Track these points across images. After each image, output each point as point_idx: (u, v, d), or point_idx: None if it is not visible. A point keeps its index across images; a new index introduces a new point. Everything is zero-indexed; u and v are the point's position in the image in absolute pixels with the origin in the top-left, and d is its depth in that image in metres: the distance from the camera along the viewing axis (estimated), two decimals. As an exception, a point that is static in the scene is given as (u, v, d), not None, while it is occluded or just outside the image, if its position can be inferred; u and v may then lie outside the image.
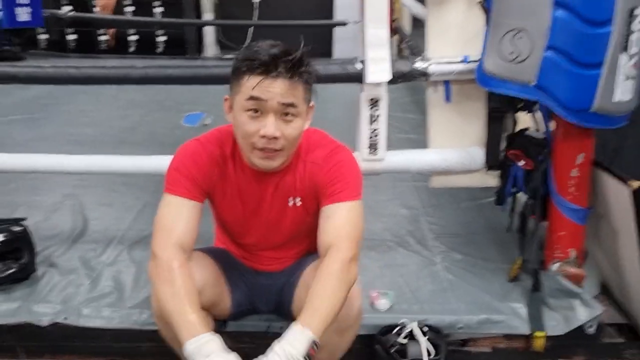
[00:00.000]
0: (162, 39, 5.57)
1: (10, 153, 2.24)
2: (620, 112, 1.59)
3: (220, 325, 1.62)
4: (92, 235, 2.24)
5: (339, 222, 1.36)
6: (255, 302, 1.66)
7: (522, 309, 1.81)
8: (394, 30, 4.52)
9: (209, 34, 5.79)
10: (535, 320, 1.76)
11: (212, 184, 1.42)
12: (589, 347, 1.78)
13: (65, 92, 4.19)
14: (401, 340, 1.64)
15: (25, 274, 1.92)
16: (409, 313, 1.78)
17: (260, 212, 1.46)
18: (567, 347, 1.77)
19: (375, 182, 2.73)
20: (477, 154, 1.92)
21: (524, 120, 1.96)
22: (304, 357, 1.18)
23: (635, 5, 1.45)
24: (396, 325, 1.68)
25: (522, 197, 1.92)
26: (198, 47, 5.86)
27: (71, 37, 5.60)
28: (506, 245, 2.12)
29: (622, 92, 1.53)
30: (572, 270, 1.82)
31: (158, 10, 5.56)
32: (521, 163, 1.83)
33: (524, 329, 1.76)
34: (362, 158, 1.89)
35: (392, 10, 4.37)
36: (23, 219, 2.01)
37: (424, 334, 1.65)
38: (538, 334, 1.73)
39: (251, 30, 5.78)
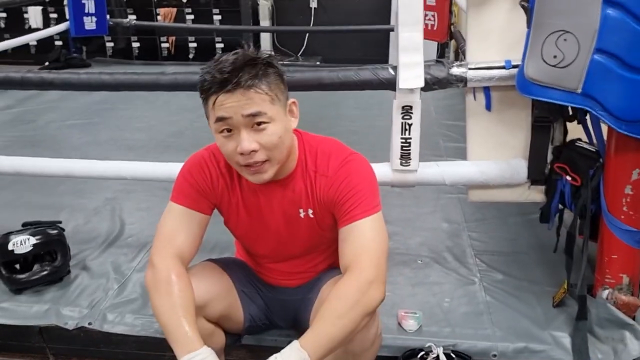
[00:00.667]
0: (219, 45, 5.67)
1: (63, 157, 2.30)
2: (681, 123, 1.40)
3: (234, 340, 1.57)
4: (126, 240, 2.26)
5: (357, 243, 1.27)
6: (272, 318, 1.60)
7: (565, 338, 1.65)
8: (452, 35, 4.36)
9: (266, 41, 5.83)
10: (580, 352, 1.59)
11: (218, 194, 1.37)
12: (641, 385, 1.59)
13: (122, 98, 4.32)
14: (426, 366, 1.53)
15: (58, 277, 1.96)
16: (438, 336, 1.67)
17: (268, 223, 1.40)
18: (616, 385, 1.59)
19: (417, 194, 2.61)
20: (520, 167, 1.77)
21: (576, 130, 1.79)
22: None
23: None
24: (421, 350, 1.57)
25: (569, 214, 1.75)
26: (255, 53, 5.91)
27: (135, 44, 5.82)
28: (555, 266, 1.94)
29: (683, 101, 1.35)
30: (625, 297, 1.64)
31: (217, 17, 5.66)
32: (568, 178, 1.66)
33: (567, 361, 1.60)
34: (393, 169, 1.79)
35: (450, 14, 4.22)
36: (59, 222, 2.06)
37: (451, 360, 1.53)
38: (583, 367, 1.56)
39: (307, 36, 5.78)
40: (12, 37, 4.90)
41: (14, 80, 1.88)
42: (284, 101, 1.25)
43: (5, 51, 5.08)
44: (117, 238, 2.27)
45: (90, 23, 4.98)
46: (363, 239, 1.27)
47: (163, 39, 5.80)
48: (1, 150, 2.72)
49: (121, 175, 1.98)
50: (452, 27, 4.34)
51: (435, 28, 4.11)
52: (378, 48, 5.63)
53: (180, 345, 1.18)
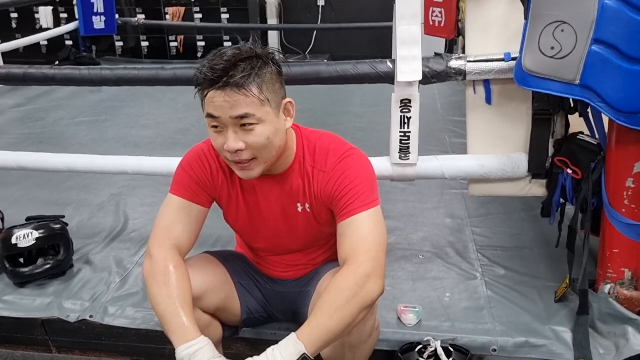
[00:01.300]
0: (227, 44, 5.69)
1: (70, 153, 2.33)
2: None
3: (232, 332, 1.57)
4: (129, 235, 2.28)
5: (355, 237, 1.27)
6: (271, 311, 1.60)
7: (567, 333, 1.63)
8: (460, 31, 4.33)
9: (273, 39, 5.84)
10: (581, 347, 1.57)
11: (218, 188, 1.38)
12: (644, 381, 1.57)
13: (130, 96, 4.37)
14: (424, 359, 1.52)
15: (61, 270, 1.99)
16: (437, 331, 1.66)
17: (266, 217, 1.40)
18: (617, 380, 1.57)
19: (421, 189, 2.61)
20: (521, 161, 1.75)
21: (580, 125, 1.77)
22: None
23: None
24: (419, 343, 1.56)
25: (571, 209, 1.73)
26: (263, 51, 5.93)
27: (144, 44, 5.86)
28: (558, 262, 1.92)
29: (684, 91, 1.32)
30: (627, 292, 1.61)
31: (225, 16, 5.68)
32: (569, 171, 1.64)
33: (568, 355, 1.59)
34: (393, 163, 1.79)
35: (457, 11, 4.19)
36: (62, 217, 2.08)
37: (449, 354, 1.52)
38: (583, 362, 1.55)
39: (315, 34, 5.78)
40: (23, 37, 4.96)
41: (17, 76, 1.90)
42: (277, 102, 1.24)
43: (17, 51, 5.15)
44: (120, 233, 2.29)
45: (99, 22, 5.03)
46: (361, 233, 1.26)
47: (172, 37, 5.84)
48: (10, 148, 2.75)
49: (124, 170, 2.00)
50: (459, 23, 4.32)
51: (442, 25, 4.07)
52: (386, 45, 5.60)
53: (177, 335, 1.19)
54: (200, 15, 5.70)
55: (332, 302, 1.19)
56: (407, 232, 2.24)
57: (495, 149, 1.78)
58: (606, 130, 1.59)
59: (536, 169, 1.73)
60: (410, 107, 1.72)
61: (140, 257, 2.10)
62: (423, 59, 1.69)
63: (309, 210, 1.37)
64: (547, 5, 1.40)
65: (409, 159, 1.77)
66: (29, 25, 5.77)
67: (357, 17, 5.59)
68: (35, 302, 1.87)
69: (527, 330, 1.65)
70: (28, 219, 2.02)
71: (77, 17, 5.06)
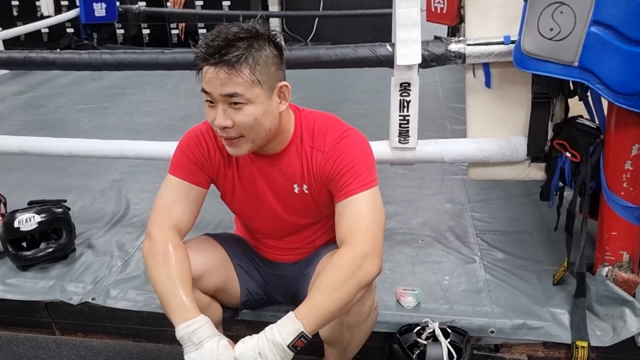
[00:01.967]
0: (229, 31, 5.67)
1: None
2: (682, 96, 1.38)
3: (232, 314, 1.59)
4: (131, 219, 2.30)
5: (352, 217, 1.27)
6: (271, 293, 1.61)
7: (564, 315, 1.64)
8: (462, 18, 4.31)
9: (275, 26, 5.81)
10: (578, 328, 1.59)
11: (215, 168, 1.39)
12: (640, 362, 1.58)
13: (132, 83, 4.37)
14: (422, 340, 1.53)
15: (63, 254, 2.00)
16: (436, 313, 1.67)
17: (263, 198, 1.41)
18: (614, 361, 1.58)
19: (421, 175, 2.61)
20: (520, 144, 1.75)
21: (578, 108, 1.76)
22: (289, 347, 1.15)
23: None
24: (417, 325, 1.57)
25: (570, 192, 1.73)
26: (265, 39, 5.91)
27: (145, 31, 5.85)
28: (558, 246, 1.92)
29: (683, 73, 1.32)
30: (624, 275, 1.63)
31: (226, 3, 5.66)
32: (568, 154, 1.65)
33: (565, 337, 1.60)
34: (392, 146, 1.79)
35: (459, -4, 4.16)
36: (63, 201, 2.09)
37: (447, 335, 1.53)
38: (580, 343, 1.56)
39: (316, 21, 5.76)
40: (24, 24, 4.96)
41: (17, 60, 1.90)
42: (270, 84, 1.23)
43: (18, 38, 5.15)
44: (122, 218, 2.31)
45: (100, 10, 5.02)
46: (359, 214, 1.27)
47: (173, 25, 5.83)
48: (12, 134, 2.74)
49: (125, 155, 2.01)
50: (461, 10, 4.29)
51: (444, 11, 4.05)
52: (388, 32, 5.56)
53: (177, 314, 1.21)
54: (201, 3, 5.69)
55: (330, 281, 1.20)
56: (407, 217, 2.25)
57: (495, 132, 1.78)
58: (605, 113, 1.59)
59: (535, 152, 1.74)
60: (410, 90, 1.72)
61: (141, 241, 2.12)
62: (422, 42, 1.68)
63: (306, 192, 1.38)
64: (546, -14, 1.40)
65: (408, 142, 1.77)
66: (30, 13, 5.76)
67: (358, 4, 5.57)
68: (38, 284, 1.89)
69: (524, 313, 1.66)
70: (30, 203, 2.04)
71: (77, 4, 5.05)
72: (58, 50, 5.23)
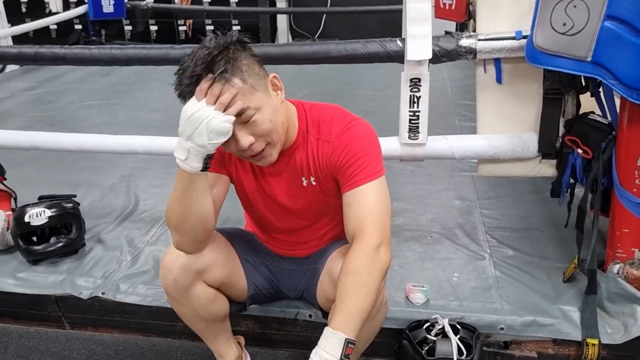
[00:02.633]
0: (236, 28, 5.67)
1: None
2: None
3: (240, 308, 1.59)
4: (140, 215, 2.30)
5: (361, 208, 1.27)
6: (279, 288, 1.61)
7: (575, 312, 1.63)
8: (470, 14, 4.28)
9: (282, 22, 5.81)
10: (589, 325, 1.58)
11: (225, 160, 1.39)
12: (651, 360, 1.57)
13: (140, 79, 4.38)
14: (431, 337, 1.53)
15: (73, 248, 2.01)
16: (445, 309, 1.67)
17: (274, 193, 1.41)
18: (625, 358, 1.57)
19: (430, 171, 2.61)
20: (531, 141, 1.74)
21: (589, 104, 1.75)
22: (342, 359, 1.14)
23: None
24: (427, 321, 1.57)
25: (581, 189, 1.72)
26: (272, 35, 5.90)
27: (153, 28, 5.86)
28: (568, 243, 1.91)
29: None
30: (636, 272, 1.61)
31: (233, 0, 5.66)
32: (579, 151, 1.64)
33: (575, 334, 1.59)
34: (402, 142, 1.78)
35: (468, -7, 4.14)
36: (73, 196, 2.10)
37: (457, 332, 1.53)
38: (591, 341, 1.55)
39: (324, 17, 5.74)
40: (33, 21, 4.97)
41: (28, 55, 1.91)
42: (263, 82, 1.23)
43: (26, 35, 5.17)
44: (131, 213, 2.31)
45: (108, 6, 5.03)
46: (367, 204, 1.27)
47: (180, 21, 5.83)
48: (22, 130, 2.77)
49: (134, 150, 2.01)
50: (470, 6, 4.27)
51: (453, 7, 4.04)
52: (396, 29, 5.54)
53: None
54: (209, -1, 5.69)
55: (354, 282, 1.20)
56: (416, 214, 2.25)
57: (505, 128, 1.77)
58: (617, 109, 1.57)
59: (546, 149, 1.73)
60: (420, 86, 1.71)
61: (150, 236, 2.13)
62: (433, 37, 1.67)
63: (314, 184, 1.38)
64: (559, -19, 1.39)
65: (418, 138, 1.77)
66: (39, 9, 5.79)
67: (366, 0, 5.54)
68: (48, 279, 1.89)
69: (534, 310, 1.65)
70: (40, 198, 2.05)
71: (86, 0, 5.06)
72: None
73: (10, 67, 4.89)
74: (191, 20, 5.81)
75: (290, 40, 5.84)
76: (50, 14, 5.57)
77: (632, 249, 1.62)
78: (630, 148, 1.55)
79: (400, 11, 5.37)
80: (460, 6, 4.01)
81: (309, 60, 1.74)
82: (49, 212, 1.93)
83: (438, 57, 1.69)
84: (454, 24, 4.66)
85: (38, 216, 1.92)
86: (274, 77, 1.28)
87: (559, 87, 1.65)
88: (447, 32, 1.72)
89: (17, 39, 4.62)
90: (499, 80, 1.73)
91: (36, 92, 4.28)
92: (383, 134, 1.71)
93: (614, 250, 1.65)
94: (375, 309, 1.36)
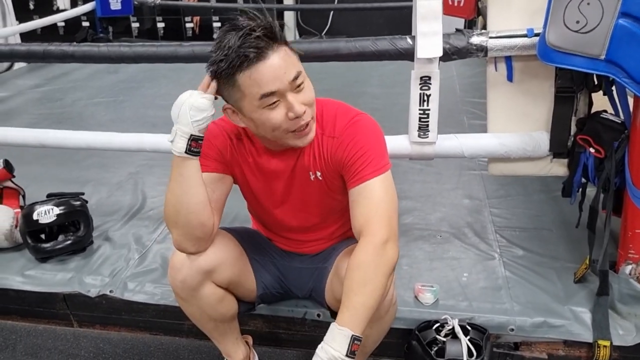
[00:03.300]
0: (243, 25, 5.66)
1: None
2: None
3: (249, 308, 1.58)
4: (147, 212, 2.30)
5: (367, 204, 1.26)
6: (288, 287, 1.60)
7: (586, 314, 1.62)
8: (479, 11, 4.25)
9: (290, 19, 5.80)
10: (601, 327, 1.56)
11: (227, 160, 1.38)
12: (664, 362, 1.55)
13: (147, 77, 4.39)
14: (441, 337, 1.52)
15: (81, 246, 2.01)
16: (454, 310, 1.65)
17: (282, 189, 1.40)
18: (637, 361, 1.56)
19: (439, 170, 2.59)
20: (542, 140, 1.72)
21: (601, 103, 1.73)
22: (347, 355, 1.13)
23: None
24: (436, 322, 1.56)
25: (592, 189, 1.70)
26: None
27: (160, 25, 5.86)
28: (579, 243, 1.89)
29: None
30: (649, 273, 1.60)
31: (241, -4, 5.66)
32: (591, 150, 1.61)
33: (586, 336, 1.58)
34: (412, 141, 1.77)
35: (477, -10, 4.10)
36: (81, 194, 2.10)
37: (467, 332, 1.51)
38: (602, 342, 1.53)
39: (331, 14, 5.72)
40: (40, 18, 4.99)
41: (37, 53, 1.91)
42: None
43: (34, 32, 5.18)
44: (138, 211, 2.31)
45: (115, 3, 5.04)
46: (373, 200, 1.26)
47: (187, 18, 5.83)
48: (29, 127, 2.77)
49: (142, 148, 2.00)
50: (479, 3, 4.24)
51: (462, 4, 4.01)
52: (405, 26, 5.54)
53: None
54: (216, -4, 5.69)
55: (360, 279, 1.19)
56: (425, 213, 2.23)
57: (516, 127, 1.75)
58: (631, 107, 1.55)
59: (558, 148, 1.70)
60: (430, 84, 1.69)
61: (158, 234, 2.12)
62: (443, 35, 1.65)
63: (320, 178, 1.37)
64: (573, -23, 1.37)
65: (427, 137, 1.75)
66: (46, 7, 5.80)
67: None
68: (56, 276, 1.90)
69: (545, 310, 1.64)
70: (49, 196, 2.05)
71: (93, -3, 5.08)
72: (74, 44, 5.27)
73: (18, 65, 4.91)
74: (198, 18, 5.81)
75: (298, 37, 5.82)
76: (58, 11, 5.59)
77: (645, 250, 1.60)
78: (643, 148, 1.52)
79: (408, 8, 5.38)
80: (469, 3, 3.98)
81: (318, 58, 1.72)
82: (57, 210, 1.94)
83: (449, 54, 1.67)
84: (462, 21, 4.66)
85: (46, 214, 1.92)
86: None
87: (571, 85, 1.63)
88: (457, 30, 1.70)
89: (25, 37, 4.63)
90: (510, 78, 1.71)
91: (44, 89, 4.29)
92: (391, 132, 1.69)
93: (626, 251, 1.63)
94: (384, 309, 1.35)
